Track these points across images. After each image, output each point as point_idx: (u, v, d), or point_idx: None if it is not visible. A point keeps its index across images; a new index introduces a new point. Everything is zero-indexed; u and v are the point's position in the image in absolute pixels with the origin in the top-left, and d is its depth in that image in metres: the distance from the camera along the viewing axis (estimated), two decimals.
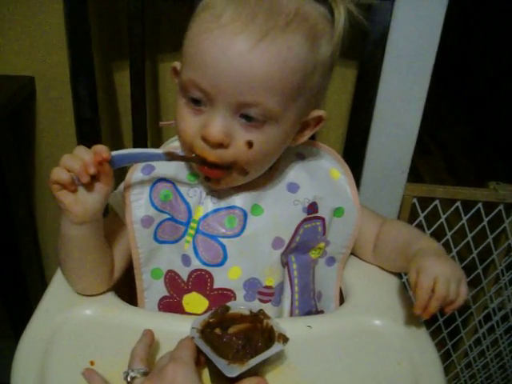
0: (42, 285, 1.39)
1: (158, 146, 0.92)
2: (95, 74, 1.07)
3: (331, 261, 0.89)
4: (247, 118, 0.70)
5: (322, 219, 0.85)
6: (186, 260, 0.79)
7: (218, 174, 0.74)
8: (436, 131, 3.62)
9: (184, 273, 0.80)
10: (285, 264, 0.83)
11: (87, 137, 1.10)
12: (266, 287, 0.81)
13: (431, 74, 1.13)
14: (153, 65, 1.20)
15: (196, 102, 0.71)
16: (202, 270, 0.79)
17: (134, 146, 1.10)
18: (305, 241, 0.84)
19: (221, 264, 0.79)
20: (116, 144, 1.29)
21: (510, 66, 3.44)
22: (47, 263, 1.47)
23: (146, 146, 1.12)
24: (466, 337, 1.58)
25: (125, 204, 0.80)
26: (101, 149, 0.70)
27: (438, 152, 3.44)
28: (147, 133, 1.12)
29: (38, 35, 1.17)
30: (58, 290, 0.81)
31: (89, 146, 1.07)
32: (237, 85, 0.67)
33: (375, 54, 1.06)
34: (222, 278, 0.79)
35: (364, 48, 1.05)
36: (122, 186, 0.82)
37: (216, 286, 0.80)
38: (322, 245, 0.87)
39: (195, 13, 0.72)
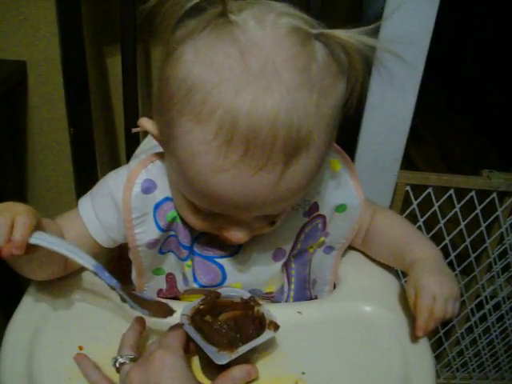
0: None
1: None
2: (86, 58, 1.06)
3: (329, 249, 0.86)
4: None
5: (323, 216, 0.80)
6: (184, 281, 0.77)
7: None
8: (431, 122, 3.61)
9: (182, 287, 0.79)
10: (283, 266, 0.81)
11: (78, 122, 1.10)
12: (267, 293, 0.80)
13: (426, 64, 1.12)
14: (145, 49, 1.19)
15: None
16: (200, 289, 0.77)
17: (126, 131, 1.10)
18: (305, 243, 0.81)
19: (220, 284, 0.76)
20: (107, 129, 1.28)
21: (506, 56, 3.43)
22: None
23: (137, 132, 1.10)
24: (458, 325, 1.59)
25: (125, 227, 0.72)
26: (15, 242, 0.58)
27: (434, 143, 3.43)
28: (139, 116, 1.10)
29: (29, 20, 1.16)
30: None
31: (80, 132, 1.09)
32: (259, 210, 0.61)
33: None
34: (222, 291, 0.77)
35: None
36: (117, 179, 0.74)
37: None
38: (321, 239, 0.83)
39: (172, 95, 0.57)
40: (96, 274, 0.63)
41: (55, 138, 1.28)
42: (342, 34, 0.55)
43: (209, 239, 0.75)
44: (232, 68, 0.52)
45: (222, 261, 0.76)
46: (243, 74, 0.52)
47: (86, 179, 0.79)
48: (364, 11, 1.00)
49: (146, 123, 0.67)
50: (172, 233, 0.74)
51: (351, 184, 0.80)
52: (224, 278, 0.76)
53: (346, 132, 1.15)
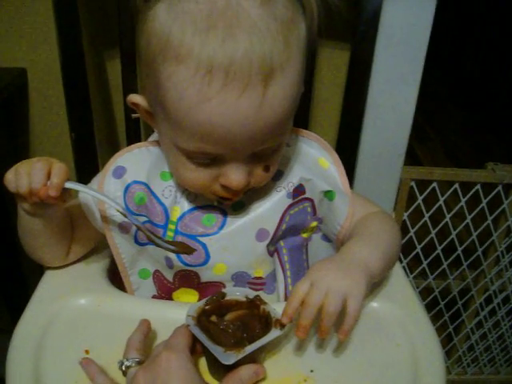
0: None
1: (150, 134, 0.91)
2: (86, 63, 1.06)
3: (326, 239, 0.86)
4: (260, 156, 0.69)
5: (311, 200, 0.81)
6: (168, 262, 0.78)
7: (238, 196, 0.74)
8: (434, 117, 3.60)
9: (169, 274, 0.80)
10: (273, 252, 0.81)
11: (80, 127, 1.10)
12: (256, 278, 0.80)
13: (428, 59, 1.12)
14: None
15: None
16: (186, 270, 0.78)
17: (127, 135, 1.10)
18: (293, 225, 0.81)
19: (204, 263, 0.77)
20: (109, 133, 1.28)
21: (510, 48, 3.43)
22: None
23: (138, 135, 1.10)
24: (468, 320, 1.58)
25: (99, 211, 0.77)
26: (53, 184, 0.65)
27: (438, 138, 3.42)
28: (140, 121, 1.11)
29: (28, 27, 1.16)
30: (52, 280, 0.81)
31: (81, 137, 1.09)
32: (250, 141, 0.64)
33: (368, 34, 1.05)
34: (208, 275, 0.78)
35: (356, 28, 1.04)
36: (94, 182, 0.80)
37: (203, 280, 0.79)
38: (314, 224, 0.84)
39: (154, 50, 0.62)
40: (125, 215, 0.72)
41: (57, 144, 1.28)
42: None
43: (193, 217, 0.77)
44: (201, 10, 0.59)
45: (204, 239, 0.77)
46: (212, 12, 0.58)
47: (88, 184, 0.80)
48: None
49: (134, 97, 0.72)
50: (144, 218, 0.77)
51: (339, 182, 0.83)
52: (207, 256, 0.77)
53: (349, 129, 1.15)
